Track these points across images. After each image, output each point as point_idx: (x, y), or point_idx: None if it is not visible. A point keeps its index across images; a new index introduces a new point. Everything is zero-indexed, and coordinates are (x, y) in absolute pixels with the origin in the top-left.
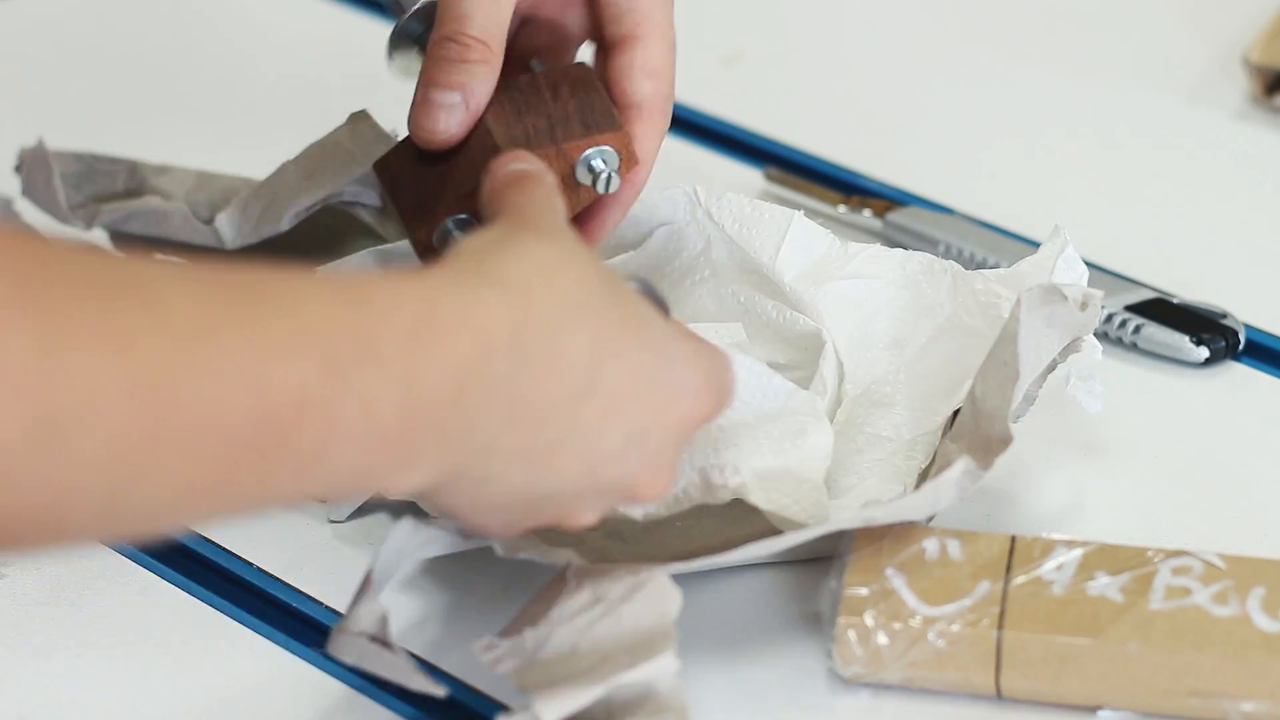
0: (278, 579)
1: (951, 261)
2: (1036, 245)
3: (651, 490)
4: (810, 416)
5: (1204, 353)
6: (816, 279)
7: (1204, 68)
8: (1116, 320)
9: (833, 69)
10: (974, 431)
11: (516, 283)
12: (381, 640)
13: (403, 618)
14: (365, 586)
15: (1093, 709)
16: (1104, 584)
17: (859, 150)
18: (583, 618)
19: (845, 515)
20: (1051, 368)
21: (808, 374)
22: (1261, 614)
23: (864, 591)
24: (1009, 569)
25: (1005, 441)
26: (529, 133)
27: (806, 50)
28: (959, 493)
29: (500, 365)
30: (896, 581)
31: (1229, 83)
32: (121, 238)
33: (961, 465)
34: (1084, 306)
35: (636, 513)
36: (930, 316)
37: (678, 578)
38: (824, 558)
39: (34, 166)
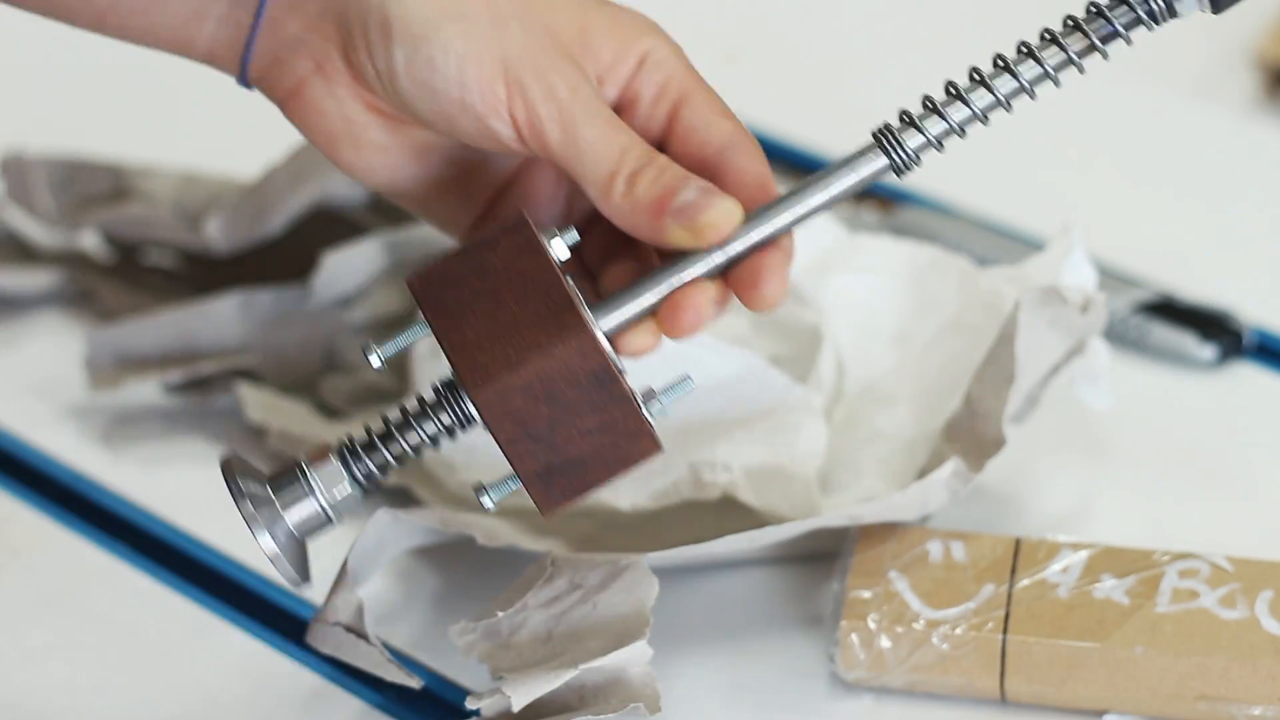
0: (268, 578)
1: (961, 257)
2: (1038, 243)
3: None
4: (804, 413)
5: (1211, 352)
6: (823, 270)
7: (1211, 64)
8: (1122, 320)
9: (833, 66)
10: (969, 432)
11: None
12: (357, 631)
13: (380, 610)
14: (341, 578)
15: (1099, 713)
16: (1110, 587)
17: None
18: (559, 604)
19: (833, 513)
20: (1056, 370)
21: (810, 368)
22: (1270, 617)
23: (867, 594)
24: (1014, 571)
25: (998, 444)
26: None
27: (807, 48)
28: (950, 494)
29: None
30: (900, 584)
31: (1236, 79)
32: (114, 240)
33: (951, 466)
34: (1085, 309)
35: (623, 503)
36: (935, 313)
37: (678, 576)
38: (823, 557)
39: (16, 173)
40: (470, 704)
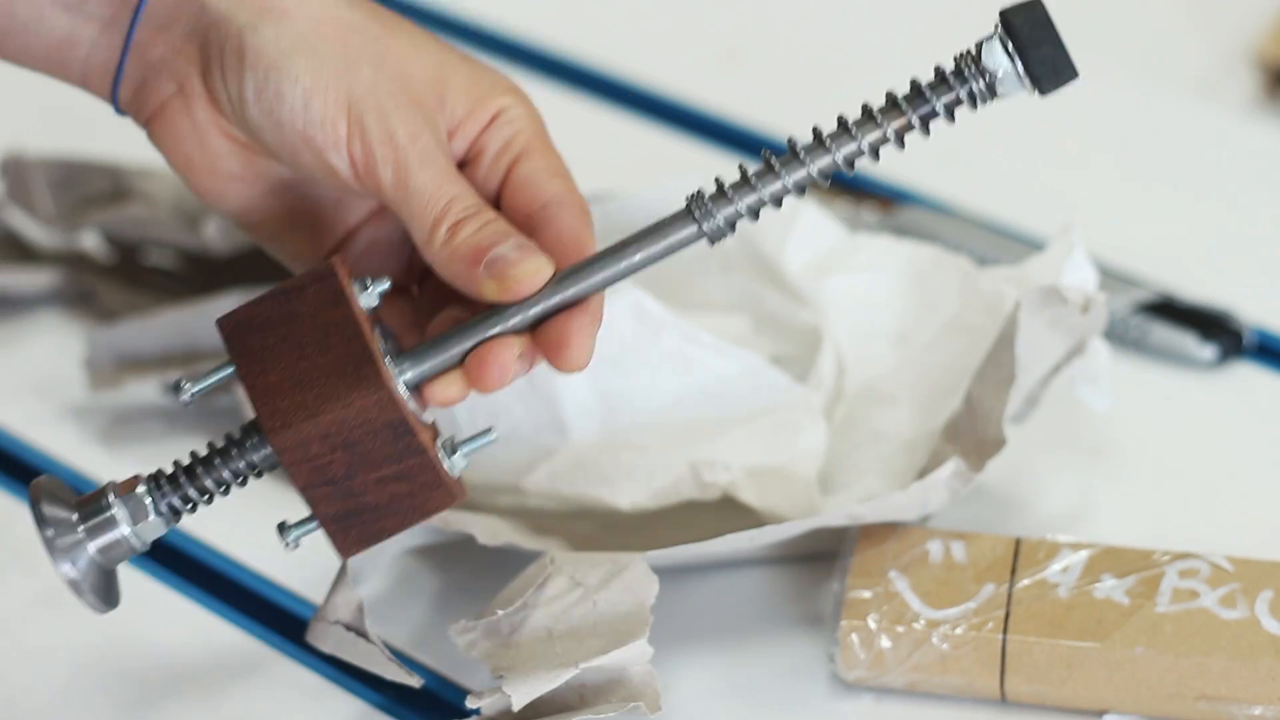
0: (267, 578)
1: (962, 257)
2: (1038, 243)
3: None
4: (805, 413)
5: (1211, 352)
6: (823, 270)
7: (1211, 64)
8: (1122, 320)
9: (832, 64)
10: (969, 432)
11: None
12: (357, 629)
13: (380, 609)
14: (342, 576)
15: (1099, 713)
16: (1110, 586)
17: None
18: (559, 603)
19: (833, 513)
20: (1056, 370)
21: (810, 368)
22: (1269, 617)
23: (867, 594)
24: (1014, 571)
25: (999, 444)
26: None
27: (805, 45)
28: (950, 494)
29: None
30: (900, 584)
31: (1236, 79)
32: (114, 240)
33: (951, 466)
34: (1085, 310)
35: (624, 502)
36: (936, 313)
37: (678, 575)
38: (822, 557)
39: (16, 174)
40: (470, 703)
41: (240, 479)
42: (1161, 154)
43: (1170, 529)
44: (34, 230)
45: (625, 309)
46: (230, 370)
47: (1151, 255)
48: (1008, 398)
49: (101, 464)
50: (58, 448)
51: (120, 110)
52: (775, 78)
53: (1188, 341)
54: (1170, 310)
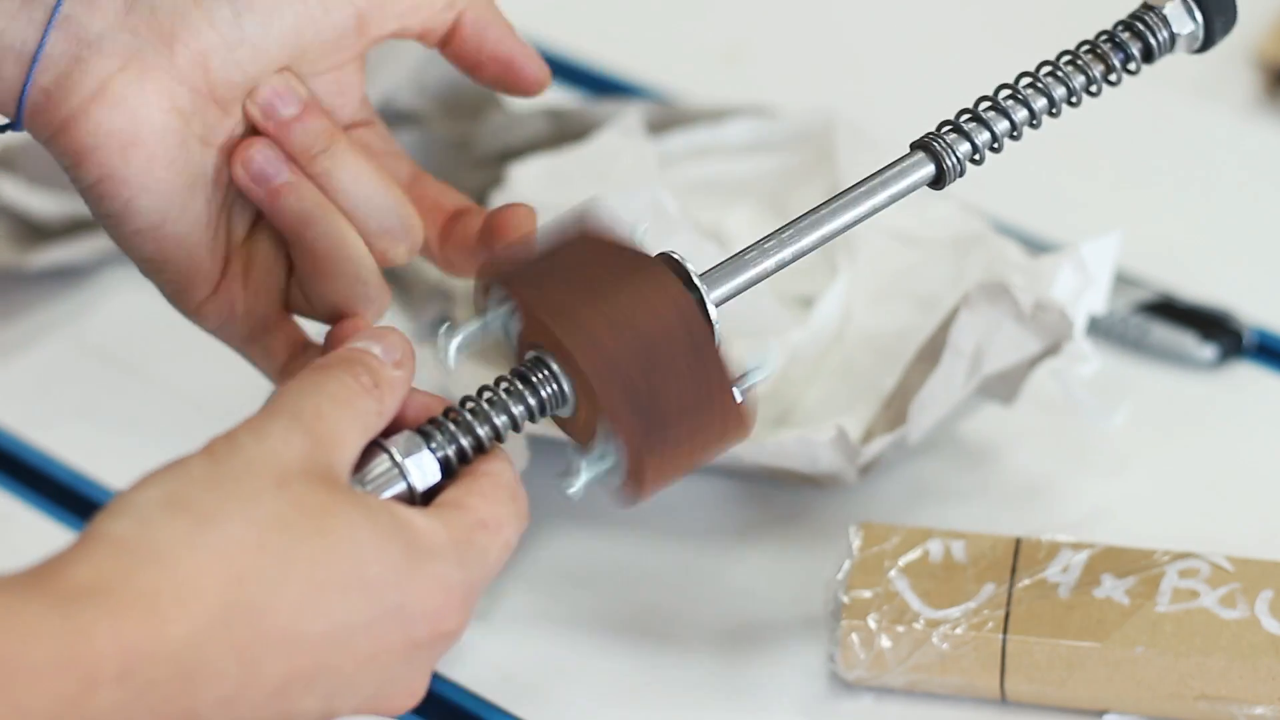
0: None
1: (1008, 239)
2: (1037, 243)
3: (403, 703)
4: (767, 336)
5: (1211, 352)
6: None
7: (1211, 64)
8: (1122, 320)
9: (833, 63)
10: (892, 405)
11: (143, 598)
12: None
13: None
14: None
15: (1099, 713)
16: (1110, 586)
17: None
18: None
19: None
20: (1033, 364)
21: (822, 284)
22: (1270, 617)
23: (867, 594)
24: (1014, 571)
25: (899, 422)
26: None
27: (806, 45)
28: (843, 458)
29: (108, 696)
30: (900, 584)
31: (1236, 79)
32: None
33: (832, 433)
34: (1033, 316)
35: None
36: (959, 287)
37: (678, 576)
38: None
39: (4, 161)
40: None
41: (515, 425)
42: (1162, 154)
43: (1170, 529)
44: (36, 202)
45: (644, 204)
46: (494, 313)
47: (1151, 255)
48: (922, 383)
49: (101, 464)
50: (58, 448)
51: (20, 117)
52: (776, 78)
53: (1188, 341)
54: (1170, 310)
